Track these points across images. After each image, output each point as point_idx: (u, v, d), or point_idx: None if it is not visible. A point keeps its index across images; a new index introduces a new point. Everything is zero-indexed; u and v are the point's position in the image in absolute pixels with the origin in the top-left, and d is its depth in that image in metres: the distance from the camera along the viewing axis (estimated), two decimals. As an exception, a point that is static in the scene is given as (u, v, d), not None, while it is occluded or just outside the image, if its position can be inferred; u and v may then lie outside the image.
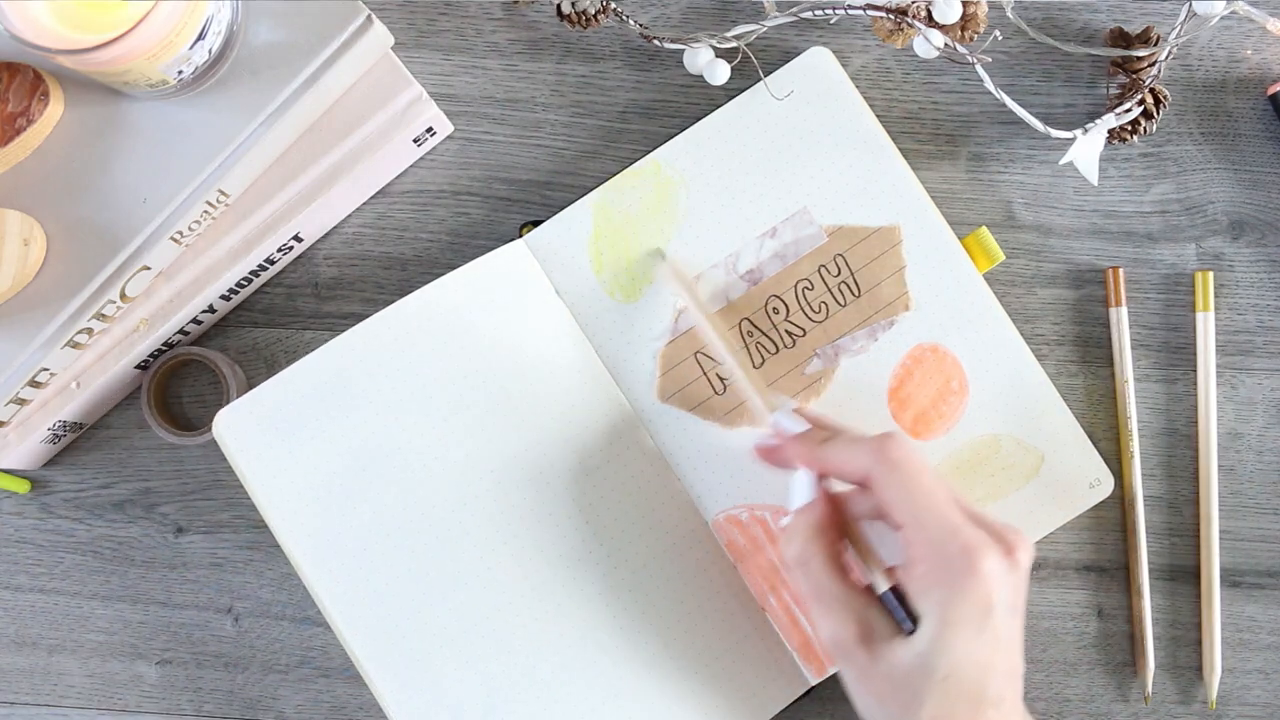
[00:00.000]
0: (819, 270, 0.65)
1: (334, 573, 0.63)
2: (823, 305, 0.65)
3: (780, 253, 0.65)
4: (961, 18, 0.63)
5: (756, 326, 0.65)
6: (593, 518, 0.64)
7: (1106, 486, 0.64)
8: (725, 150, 0.65)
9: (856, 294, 0.65)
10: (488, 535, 0.64)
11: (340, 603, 0.62)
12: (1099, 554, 0.66)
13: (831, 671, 0.63)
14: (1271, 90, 0.66)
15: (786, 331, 0.65)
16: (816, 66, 0.65)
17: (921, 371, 0.64)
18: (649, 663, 0.64)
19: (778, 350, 0.65)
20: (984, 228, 0.65)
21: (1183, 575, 0.66)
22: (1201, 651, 0.66)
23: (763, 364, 0.65)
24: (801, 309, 0.65)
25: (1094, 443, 0.65)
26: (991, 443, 0.64)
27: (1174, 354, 0.66)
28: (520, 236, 0.65)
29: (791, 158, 0.65)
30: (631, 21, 0.66)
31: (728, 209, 0.65)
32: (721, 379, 0.64)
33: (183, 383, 0.68)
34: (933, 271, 0.65)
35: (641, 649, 0.64)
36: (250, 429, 0.63)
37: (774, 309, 0.65)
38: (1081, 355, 0.67)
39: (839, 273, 0.65)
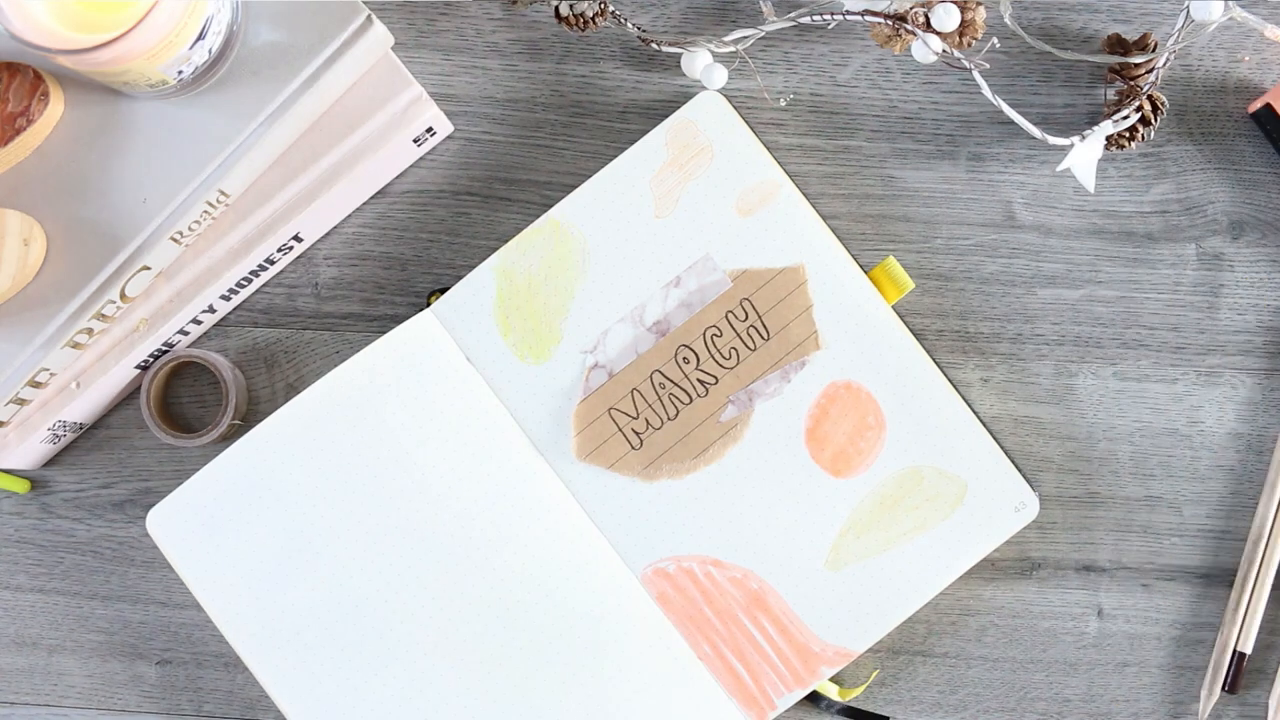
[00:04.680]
0: (726, 316, 0.64)
1: (273, 656, 0.64)
2: (733, 351, 0.64)
3: (686, 301, 0.64)
4: (959, 24, 0.63)
5: (668, 378, 0.64)
6: (520, 584, 0.64)
7: (1032, 509, 0.64)
8: (622, 202, 0.65)
9: (766, 337, 0.64)
10: (415, 610, 0.64)
11: (282, 684, 0.64)
12: (1097, 554, 0.66)
13: (772, 717, 0.63)
14: (1252, 108, 0.66)
15: (699, 380, 0.64)
16: (708, 111, 0.64)
17: (837, 409, 0.64)
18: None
19: (691, 400, 0.64)
20: (891, 257, 0.65)
21: (1182, 575, 0.66)
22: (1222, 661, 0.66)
23: (677, 415, 0.64)
24: (712, 356, 0.64)
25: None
26: (914, 475, 0.64)
27: (1174, 354, 0.66)
28: (428, 305, 0.65)
29: (689, 204, 0.64)
30: (629, 24, 0.66)
31: (630, 261, 0.64)
32: (637, 433, 0.64)
33: (183, 384, 0.68)
34: (840, 308, 0.64)
35: (580, 708, 0.63)
36: (181, 527, 0.64)
37: (684, 359, 0.64)
38: (1082, 355, 0.67)
39: (746, 317, 0.64)
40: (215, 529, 0.64)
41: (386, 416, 0.64)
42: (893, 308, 0.64)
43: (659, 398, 0.64)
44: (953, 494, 0.64)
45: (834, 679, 0.66)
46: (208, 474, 0.64)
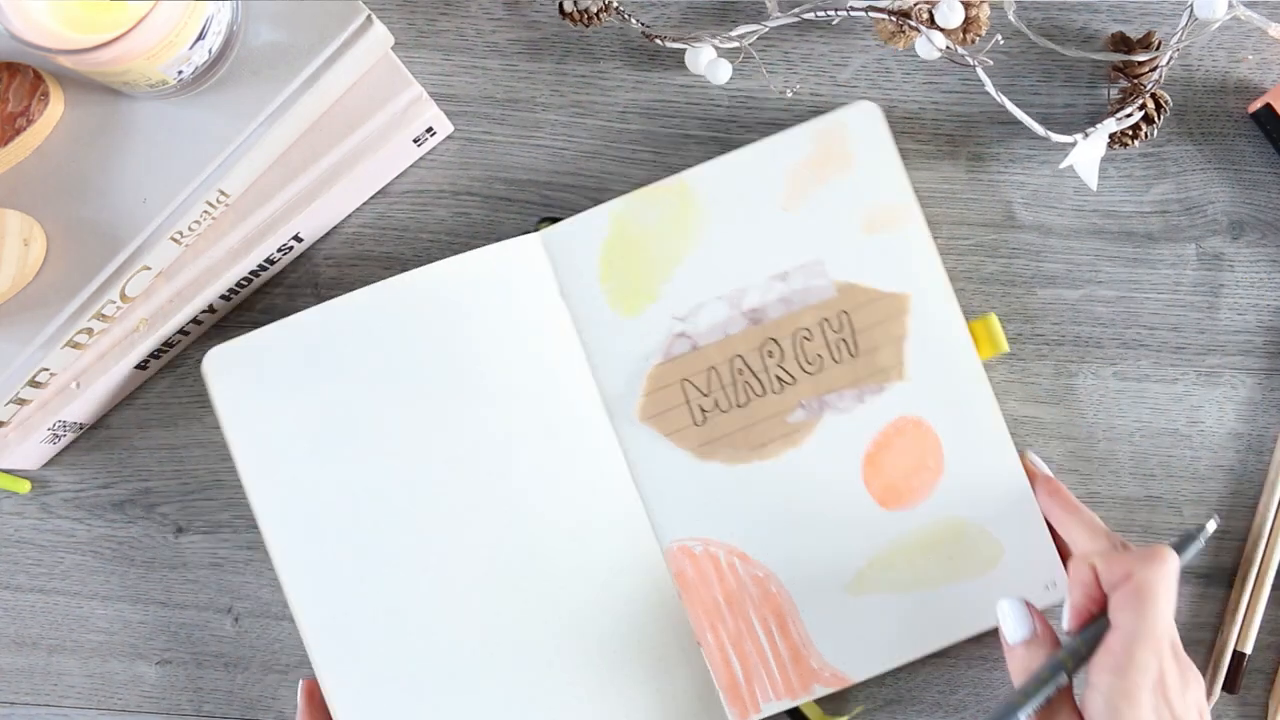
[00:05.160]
0: (821, 323, 0.64)
1: (290, 529, 0.63)
2: (818, 358, 0.64)
3: (787, 297, 0.64)
4: (963, 20, 0.63)
5: (748, 365, 0.64)
6: (547, 520, 0.63)
7: (1061, 590, 0.63)
8: (754, 184, 0.64)
9: (853, 353, 0.64)
10: (437, 515, 0.63)
11: (290, 560, 0.63)
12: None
13: (754, 719, 0.63)
14: (1252, 108, 0.66)
15: (776, 376, 0.64)
16: (862, 120, 0.64)
17: (901, 442, 0.64)
18: (578, 670, 0.63)
19: (764, 393, 0.64)
20: (994, 315, 0.64)
21: (1182, 575, 0.66)
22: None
23: (746, 404, 0.64)
24: (796, 357, 0.64)
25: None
26: (956, 526, 0.63)
27: (1174, 354, 0.67)
28: (537, 230, 0.65)
29: (818, 205, 0.64)
30: (633, 20, 0.66)
31: (744, 243, 0.64)
32: (703, 410, 0.64)
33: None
34: (933, 346, 0.64)
35: (570, 655, 0.63)
36: (237, 372, 0.63)
37: (769, 352, 0.64)
38: (1082, 355, 0.67)
39: (840, 329, 0.64)
40: (268, 384, 0.63)
41: (464, 324, 0.63)
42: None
43: (734, 382, 0.64)
44: (989, 555, 0.63)
45: (820, 702, 0.65)
46: (277, 328, 0.63)
